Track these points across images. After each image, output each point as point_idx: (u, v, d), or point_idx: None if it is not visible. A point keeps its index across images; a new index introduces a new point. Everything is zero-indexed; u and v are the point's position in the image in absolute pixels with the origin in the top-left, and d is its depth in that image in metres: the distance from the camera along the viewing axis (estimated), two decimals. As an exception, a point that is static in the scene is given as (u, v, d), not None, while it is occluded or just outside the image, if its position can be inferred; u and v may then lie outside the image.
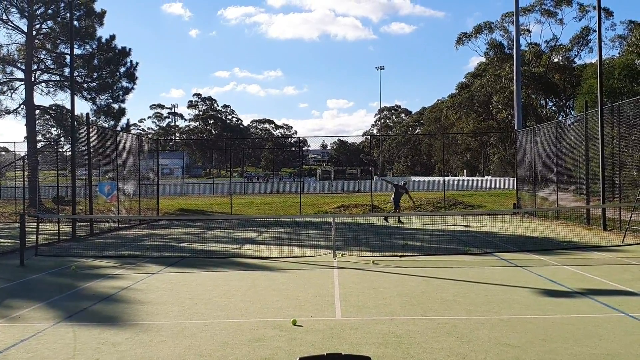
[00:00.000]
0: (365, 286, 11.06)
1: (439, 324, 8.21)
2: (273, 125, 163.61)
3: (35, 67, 36.03)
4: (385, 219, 26.70)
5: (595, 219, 22.35)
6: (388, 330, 7.87)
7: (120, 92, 37.11)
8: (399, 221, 26.61)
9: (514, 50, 37.60)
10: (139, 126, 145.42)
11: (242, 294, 10.54)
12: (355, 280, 11.79)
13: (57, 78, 37.21)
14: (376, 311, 9.04)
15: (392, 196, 27.60)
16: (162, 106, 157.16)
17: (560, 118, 56.77)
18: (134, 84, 37.32)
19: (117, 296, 10.57)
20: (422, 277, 12.07)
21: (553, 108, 71.45)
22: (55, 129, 40.80)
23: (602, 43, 22.46)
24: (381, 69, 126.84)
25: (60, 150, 35.76)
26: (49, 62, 37.25)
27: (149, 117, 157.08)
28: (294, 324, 8.25)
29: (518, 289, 10.59)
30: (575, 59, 69.05)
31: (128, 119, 39.47)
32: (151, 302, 9.96)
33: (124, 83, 37.14)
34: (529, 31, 71.87)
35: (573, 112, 58.17)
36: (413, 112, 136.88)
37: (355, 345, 7.20)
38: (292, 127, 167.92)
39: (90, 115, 34.53)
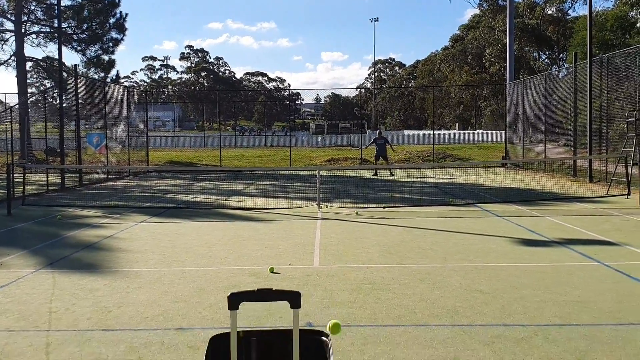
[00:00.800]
0: (346, 236, 11.17)
1: (413, 271, 8.34)
2: (266, 78, 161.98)
3: (25, 18, 35.47)
4: (376, 173, 26.61)
5: (582, 171, 22.48)
6: (363, 277, 7.99)
7: (110, 44, 36.68)
8: (391, 174, 26.65)
9: (507, 1, 37.18)
10: (132, 78, 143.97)
11: (223, 243, 10.64)
12: (337, 230, 11.91)
13: (48, 30, 36.75)
14: (354, 259, 9.16)
15: (375, 152, 27.20)
16: (154, 58, 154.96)
17: (552, 70, 56.48)
18: (124, 35, 36.90)
19: (100, 244, 10.68)
20: (403, 227, 12.19)
21: (546, 61, 71.01)
22: (48, 81, 40.55)
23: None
24: (375, 21, 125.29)
25: (51, 101, 35.48)
26: (39, 14, 36.70)
27: (141, 70, 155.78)
28: (272, 272, 8.37)
29: (496, 239, 10.72)
30: (569, 11, 68.54)
31: (118, 71, 39.01)
32: (132, 250, 10.06)
33: (114, 34, 36.65)
34: (524, -18, 70.92)
35: (566, 65, 57.84)
36: (407, 65, 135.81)
37: (328, 291, 7.32)
38: (285, 80, 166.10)
39: (80, 67, 34.23)
